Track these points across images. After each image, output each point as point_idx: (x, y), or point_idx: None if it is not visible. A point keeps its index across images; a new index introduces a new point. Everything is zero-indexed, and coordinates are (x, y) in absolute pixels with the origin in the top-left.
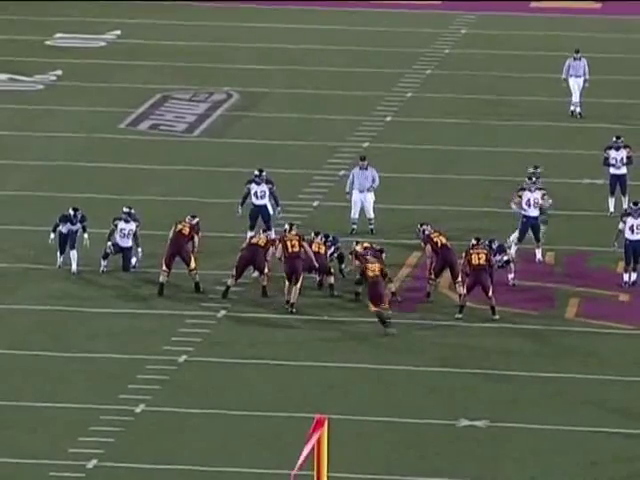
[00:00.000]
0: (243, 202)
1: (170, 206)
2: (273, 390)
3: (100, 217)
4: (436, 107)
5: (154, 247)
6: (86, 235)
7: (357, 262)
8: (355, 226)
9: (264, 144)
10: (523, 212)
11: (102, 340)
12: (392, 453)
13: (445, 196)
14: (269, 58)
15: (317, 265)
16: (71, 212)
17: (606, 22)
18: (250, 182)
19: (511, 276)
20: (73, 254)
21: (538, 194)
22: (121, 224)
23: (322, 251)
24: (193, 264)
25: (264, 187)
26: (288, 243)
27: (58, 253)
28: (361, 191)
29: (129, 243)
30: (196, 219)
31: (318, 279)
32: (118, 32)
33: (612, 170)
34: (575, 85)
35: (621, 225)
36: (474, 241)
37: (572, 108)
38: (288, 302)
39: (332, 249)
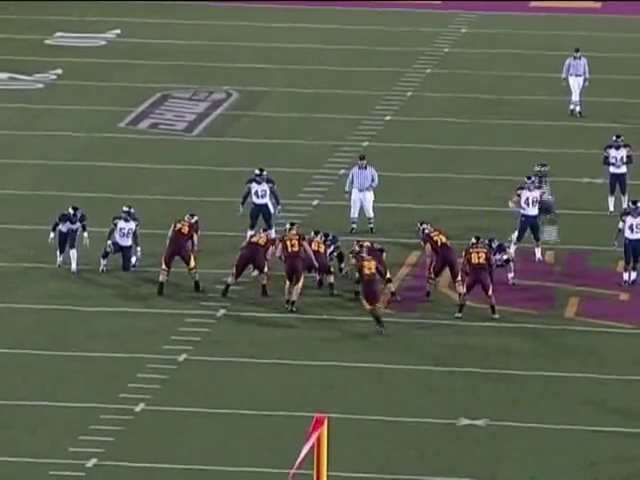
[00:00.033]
0: (244, 201)
1: (170, 205)
2: (273, 389)
3: (100, 216)
4: (436, 106)
5: (154, 246)
6: (86, 234)
7: (353, 260)
8: (355, 225)
9: (264, 143)
10: (522, 211)
11: (102, 339)
12: (392, 453)
13: (445, 195)
14: (269, 57)
15: (317, 265)
16: (71, 211)
17: (606, 21)
18: (251, 181)
19: (511, 275)
20: (73, 253)
21: (537, 193)
22: (121, 223)
23: (322, 250)
24: (193, 263)
25: (265, 186)
26: (288, 242)
27: (58, 252)
28: (360, 190)
29: (129, 242)
30: (195, 218)
31: (318, 278)
32: (118, 31)
33: (612, 169)
34: (575, 84)
35: (621, 224)
36: (474, 240)
37: (572, 107)
38: (288, 301)
39: (332, 248)
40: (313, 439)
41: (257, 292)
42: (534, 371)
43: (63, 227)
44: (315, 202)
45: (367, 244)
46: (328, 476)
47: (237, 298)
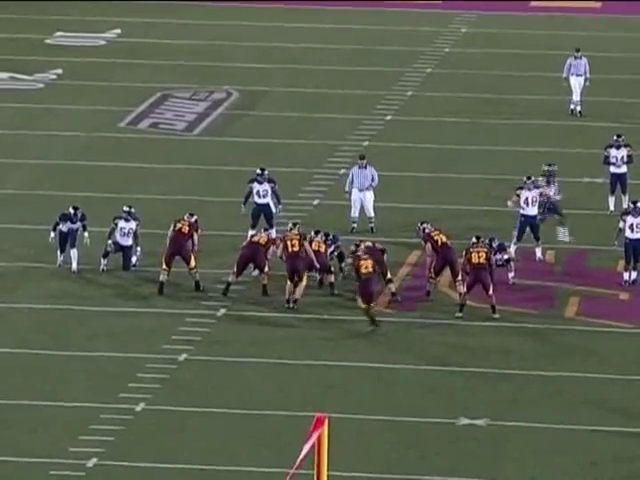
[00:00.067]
0: (246, 201)
1: (170, 205)
2: (273, 389)
3: (100, 216)
4: (436, 106)
5: (154, 246)
6: (86, 234)
7: (349, 260)
8: (355, 225)
9: (264, 143)
10: (521, 211)
11: (102, 339)
12: (392, 452)
13: (445, 195)
14: (269, 57)
15: (318, 265)
16: (71, 211)
17: (606, 21)
18: (252, 181)
19: (511, 275)
20: (73, 253)
21: (536, 192)
22: (121, 223)
23: (322, 250)
24: (193, 263)
25: (266, 186)
26: (288, 242)
27: (58, 252)
28: (360, 190)
29: (129, 242)
30: (195, 217)
31: (318, 278)
32: (118, 31)
33: (612, 169)
34: (576, 84)
35: (621, 224)
36: (474, 240)
37: (572, 107)
38: (288, 301)
39: (332, 248)
40: (313, 439)
41: (257, 292)
42: (534, 371)
43: (63, 227)
44: (315, 202)
45: (368, 244)
46: (328, 476)
47: (237, 298)
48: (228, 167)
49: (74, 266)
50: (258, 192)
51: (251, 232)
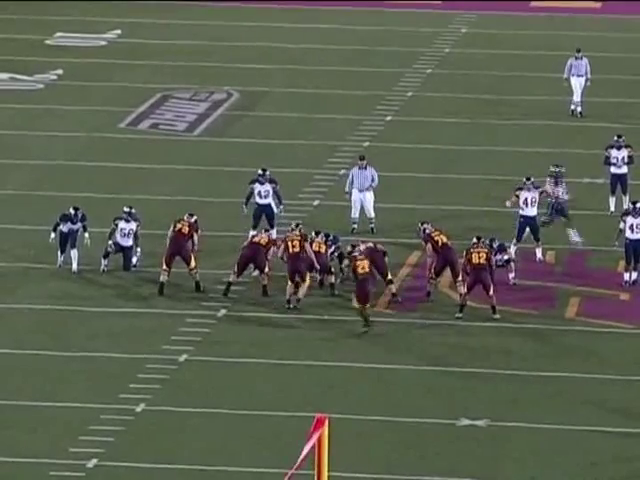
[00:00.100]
0: (247, 202)
1: (170, 205)
2: (273, 390)
3: (100, 216)
4: (436, 106)
5: (154, 246)
6: (87, 234)
7: (346, 261)
8: (355, 225)
9: (264, 143)
10: (520, 212)
11: (102, 339)
12: (392, 453)
13: (445, 195)
14: (269, 57)
15: (318, 266)
16: (72, 211)
17: (606, 21)
18: (254, 182)
19: (511, 275)
20: (74, 253)
21: (536, 193)
22: (121, 224)
23: (322, 250)
24: (193, 263)
25: (268, 186)
26: (289, 243)
27: (59, 252)
28: (360, 190)
29: (129, 242)
30: (194, 217)
31: (319, 278)
32: (118, 31)
33: (613, 169)
34: (577, 84)
35: (622, 225)
36: (475, 240)
37: (573, 107)
38: (289, 302)
39: (332, 248)
40: (314, 439)
41: (258, 292)
42: (534, 371)
43: (64, 227)
44: (316, 202)
45: (370, 245)
46: (328, 476)
47: (238, 298)
48: (228, 168)
49: (74, 266)
50: (259, 193)
51: (252, 232)
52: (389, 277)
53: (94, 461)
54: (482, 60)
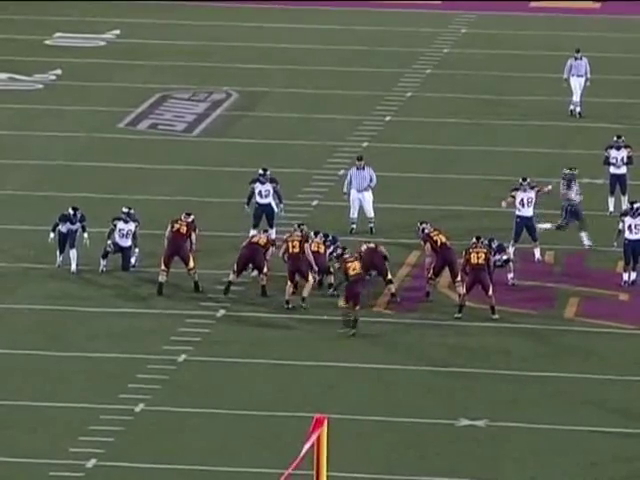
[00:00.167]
0: (249, 202)
1: (170, 206)
2: (273, 390)
3: (99, 217)
4: (436, 107)
5: (154, 246)
6: (86, 234)
7: (337, 264)
8: (354, 225)
9: (264, 144)
10: (517, 212)
11: (102, 340)
12: (392, 453)
13: (444, 196)
14: (269, 58)
15: (316, 268)
16: (71, 211)
17: (606, 22)
18: (254, 181)
19: (510, 275)
20: (73, 253)
21: (532, 193)
22: (120, 224)
23: (322, 251)
24: (192, 263)
25: (268, 186)
26: (290, 243)
27: (58, 252)
28: (359, 191)
29: (128, 243)
30: (191, 216)
31: (318, 279)
32: (118, 32)
33: (612, 169)
34: (577, 84)
35: (621, 225)
36: (474, 240)
37: (572, 107)
38: (288, 302)
39: (331, 248)
40: (313, 439)
41: (257, 292)
42: (534, 371)
43: (63, 227)
44: (315, 202)
45: (371, 245)
46: (328, 476)
47: (237, 298)
48: (228, 168)
49: (73, 267)
50: (260, 192)
51: (253, 232)
52: (389, 277)
53: (93, 461)
54: (482, 60)
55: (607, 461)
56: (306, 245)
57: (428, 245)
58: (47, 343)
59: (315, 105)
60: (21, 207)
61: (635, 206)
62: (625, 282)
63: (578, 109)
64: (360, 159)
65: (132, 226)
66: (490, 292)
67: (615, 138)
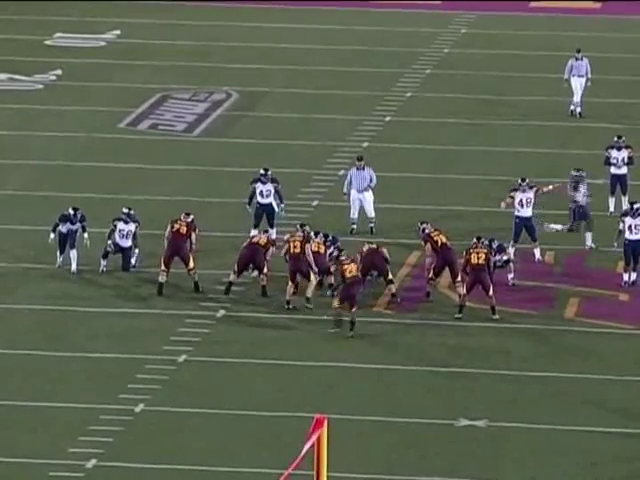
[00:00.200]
0: (250, 201)
1: (170, 206)
2: (273, 390)
3: (100, 217)
4: (435, 107)
5: (154, 247)
6: (86, 235)
7: (333, 267)
8: (355, 226)
9: (264, 144)
10: (516, 212)
11: (102, 340)
12: (392, 453)
13: (444, 196)
14: (269, 58)
15: (316, 269)
16: (71, 212)
17: (606, 22)
18: (256, 181)
19: (511, 276)
20: (73, 254)
21: (530, 194)
22: (120, 225)
23: (322, 251)
24: (192, 264)
25: (269, 186)
26: (291, 244)
27: (58, 253)
28: (359, 191)
29: (129, 243)
30: (191, 216)
31: (318, 279)
32: (118, 32)
33: (613, 170)
34: (577, 85)
35: (621, 225)
36: (475, 240)
37: (572, 108)
38: (288, 302)
39: (332, 249)
40: (313, 439)
41: (257, 293)
42: (534, 371)
43: (63, 228)
44: (315, 203)
45: (373, 246)
46: (328, 477)
47: (237, 298)
48: (228, 168)
49: (74, 267)
50: (261, 192)
51: (254, 232)
52: (390, 277)
53: (93, 461)
54: (481, 60)
55: (607, 461)
56: (307, 245)
57: (428, 245)
58: (47, 343)
59: (315, 105)
60: (21, 207)
61: (635, 206)
62: (625, 282)
63: (578, 109)
64: (360, 159)
65: (132, 227)
66: (490, 292)
67: (616, 138)
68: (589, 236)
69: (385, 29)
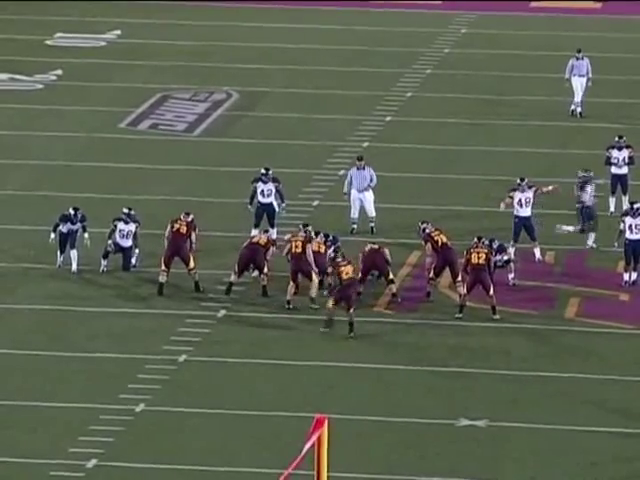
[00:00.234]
0: (251, 201)
1: (170, 206)
2: (273, 390)
3: (100, 217)
4: (436, 107)
5: (154, 246)
6: (86, 235)
7: (330, 268)
8: (355, 226)
9: (264, 144)
10: (515, 212)
11: (102, 340)
12: (392, 453)
13: (445, 196)
14: (269, 58)
15: (316, 269)
16: (71, 212)
17: (606, 22)
18: (257, 180)
19: (511, 276)
20: (73, 254)
21: (530, 193)
22: (120, 225)
23: (322, 251)
24: (192, 264)
25: (270, 185)
26: (293, 244)
27: (58, 253)
28: (359, 191)
29: (129, 243)
30: (191, 216)
31: (319, 278)
32: (118, 32)
33: (613, 170)
34: (578, 84)
35: (621, 225)
36: (476, 240)
37: (573, 107)
38: (289, 302)
39: (332, 249)
40: (313, 439)
41: (257, 292)
42: (534, 371)
43: (64, 228)
44: (315, 202)
45: (375, 246)
46: (328, 477)
47: (237, 298)
48: (228, 168)
49: (74, 267)
50: (262, 191)
51: (254, 231)
52: (390, 277)
53: (94, 461)
54: (482, 60)
55: (607, 461)
56: (308, 246)
57: (429, 245)
58: (47, 343)
59: (315, 105)
60: (21, 207)
61: (635, 206)
62: (626, 282)
63: (579, 109)
64: (360, 159)
65: (132, 227)
66: (491, 292)
67: (617, 138)
68: (592, 236)
69: (385, 29)
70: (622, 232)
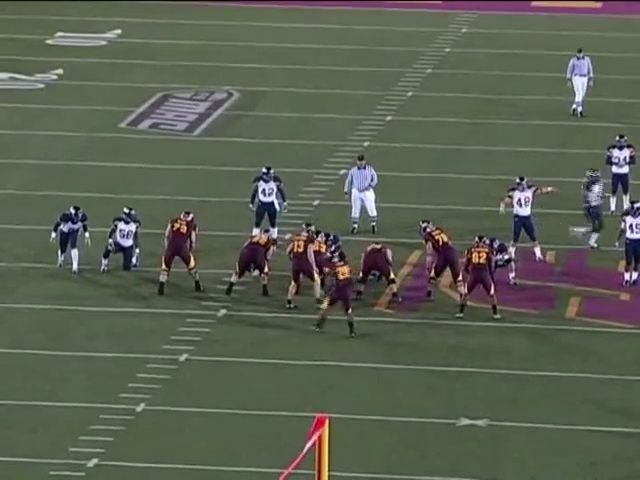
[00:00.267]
0: (253, 199)
1: (170, 205)
2: (273, 389)
3: (100, 216)
4: (436, 106)
5: (154, 246)
6: (87, 234)
7: (327, 269)
8: (356, 225)
9: (264, 143)
10: (515, 212)
11: (102, 339)
12: (392, 453)
13: (445, 195)
14: (269, 57)
15: (317, 270)
16: (72, 211)
17: (606, 21)
18: (258, 179)
19: (512, 275)
20: (74, 253)
21: (529, 193)
22: (121, 225)
23: (323, 250)
24: (193, 263)
25: (272, 184)
26: (295, 243)
27: (59, 252)
28: (360, 190)
29: (129, 242)
30: (191, 215)
31: (321, 278)
32: (119, 31)
33: (614, 169)
34: (579, 84)
35: (622, 225)
36: (477, 239)
37: (574, 107)
38: (289, 302)
39: (333, 248)
40: (314, 439)
41: (258, 292)
42: (534, 371)
43: (64, 227)
44: (316, 202)
45: (377, 246)
46: (329, 476)
47: (238, 298)
48: (228, 167)
49: (74, 266)
50: (264, 190)
51: (255, 231)
52: (391, 276)
53: (94, 461)
54: (482, 60)
55: (607, 461)
56: (310, 246)
57: (430, 244)
58: (48, 343)
59: (315, 105)
60: (21, 207)
61: (636, 206)
62: (626, 282)
63: (580, 109)
64: (361, 158)
65: (133, 227)
66: (491, 292)
67: (617, 138)
68: (595, 236)
69: (385, 29)
70: (623, 232)
